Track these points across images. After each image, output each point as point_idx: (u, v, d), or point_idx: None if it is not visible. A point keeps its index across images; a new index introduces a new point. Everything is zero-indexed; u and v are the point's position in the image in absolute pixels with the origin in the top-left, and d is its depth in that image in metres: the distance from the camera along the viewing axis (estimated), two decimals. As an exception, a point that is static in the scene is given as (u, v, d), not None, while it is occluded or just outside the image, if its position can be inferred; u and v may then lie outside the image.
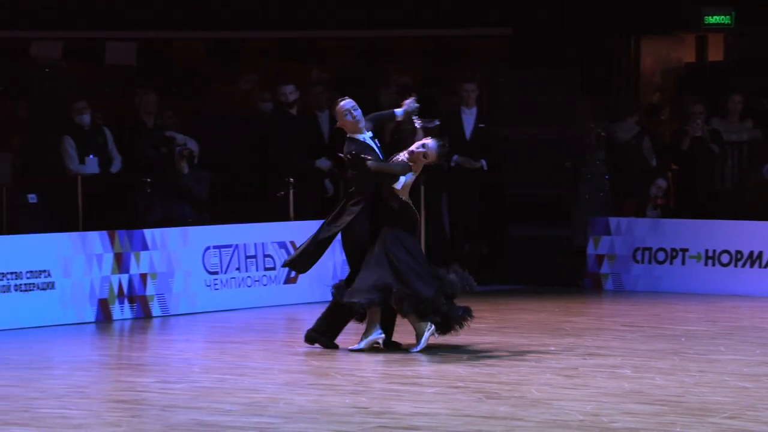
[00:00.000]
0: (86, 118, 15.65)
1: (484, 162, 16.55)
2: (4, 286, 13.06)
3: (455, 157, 16.46)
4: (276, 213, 15.55)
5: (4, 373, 10.70)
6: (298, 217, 15.43)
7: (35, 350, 12.03)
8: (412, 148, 11.52)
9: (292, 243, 14.91)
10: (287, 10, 20.10)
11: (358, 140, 11.58)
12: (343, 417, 8.77)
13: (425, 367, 10.75)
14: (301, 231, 14.63)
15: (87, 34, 20.01)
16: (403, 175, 11.46)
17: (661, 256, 16.14)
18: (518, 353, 11.45)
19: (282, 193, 15.45)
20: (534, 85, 17.31)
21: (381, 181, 11.51)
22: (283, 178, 15.56)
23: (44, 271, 13.32)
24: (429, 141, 11.53)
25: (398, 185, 11.46)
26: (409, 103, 11.86)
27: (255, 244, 14.74)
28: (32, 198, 15.11)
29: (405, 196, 11.54)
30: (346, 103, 11.67)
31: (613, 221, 16.36)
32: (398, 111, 11.92)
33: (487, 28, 20.01)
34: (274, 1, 20.13)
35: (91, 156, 15.41)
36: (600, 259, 16.38)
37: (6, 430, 8.45)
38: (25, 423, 8.66)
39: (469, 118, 16.65)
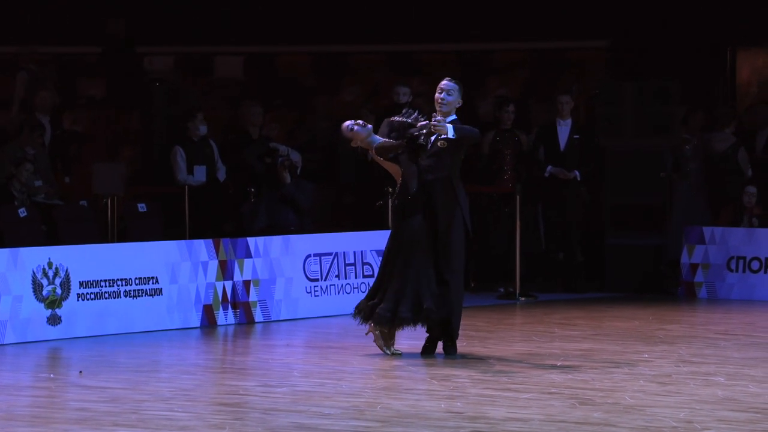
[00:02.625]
0: (203, 129, 15.80)
1: (577, 173, 16.46)
2: (114, 292, 13.19)
3: (549, 167, 16.42)
4: (375, 222, 15.55)
5: (114, 375, 10.80)
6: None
7: (143, 354, 12.14)
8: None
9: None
10: (390, 24, 20.14)
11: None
12: (438, 421, 8.76)
13: (519, 373, 10.71)
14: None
15: (197, 49, 20.21)
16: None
17: (755, 265, 15.95)
18: (612, 360, 11.37)
19: (381, 202, 15.47)
20: (630, 96, 17.19)
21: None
22: (382, 188, 15.58)
23: (152, 277, 13.42)
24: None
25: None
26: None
27: (354, 252, 14.76)
28: (142, 207, 15.26)
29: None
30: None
31: (707, 230, 16.20)
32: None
33: (585, 41, 19.92)
34: (377, 16, 20.17)
35: (200, 165, 15.56)
36: (694, 267, 16.22)
37: (115, 430, 8.53)
38: (133, 425, 8.73)
39: (564, 130, 16.57)
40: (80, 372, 11.01)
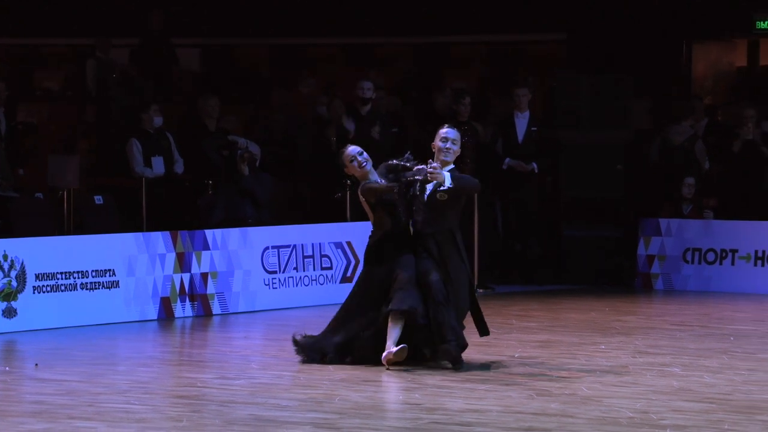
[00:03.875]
0: (158, 121, 15.76)
1: (535, 165, 16.51)
2: (70, 284, 13.14)
3: (507, 160, 16.45)
4: (333, 215, 15.55)
5: (70, 368, 10.77)
6: (354, 218, 15.45)
7: (100, 347, 12.10)
8: None
9: (349, 243, 14.94)
10: (344, 17, 20.13)
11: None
12: (396, 413, 8.78)
13: (477, 365, 10.73)
14: (357, 231, 14.68)
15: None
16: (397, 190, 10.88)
17: (710, 256, 16.04)
18: (569, 351, 11.42)
19: (339, 194, 15.45)
20: (587, 89, 17.26)
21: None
22: (340, 180, 15.57)
23: (109, 270, 13.39)
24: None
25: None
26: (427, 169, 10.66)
27: (312, 244, 14.76)
28: (98, 199, 15.20)
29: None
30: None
31: (663, 222, 16.27)
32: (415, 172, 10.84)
33: (542, 33, 19.96)
34: (334, 8, 20.17)
35: (157, 157, 15.51)
36: (651, 259, 16.30)
37: (71, 423, 8.52)
38: (90, 417, 8.72)
39: (521, 122, 16.61)
40: (36, 365, 10.97)
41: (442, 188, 10.57)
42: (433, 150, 10.77)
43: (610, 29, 19.38)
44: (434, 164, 10.57)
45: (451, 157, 10.75)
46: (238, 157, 15.30)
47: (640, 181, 17.37)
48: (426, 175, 10.58)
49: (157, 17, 18.64)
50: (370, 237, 10.92)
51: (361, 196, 10.84)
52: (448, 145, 10.71)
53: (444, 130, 10.82)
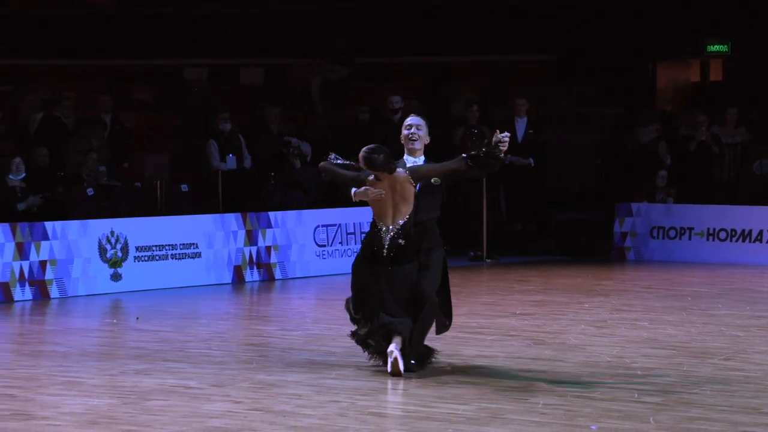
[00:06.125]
0: (227, 126, 15.80)
1: (531, 160, 16.48)
2: (163, 254, 13.20)
3: (509, 156, 16.43)
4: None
5: (163, 321, 10.82)
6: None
7: (186, 304, 12.15)
8: None
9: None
10: (363, 39, 19.98)
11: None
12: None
13: (485, 320, 10.73)
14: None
15: (226, 62, 20.17)
16: (351, 185, 8.12)
17: (672, 233, 15.98)
18: (559, 309, 11.40)
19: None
20: (571, 99, 17.22)
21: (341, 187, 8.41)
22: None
23: (193, 243, 13.43)
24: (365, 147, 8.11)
25: (353, 195, 8.17)
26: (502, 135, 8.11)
27: (354, 223, 14.78)
28: (184, 188, 15.24)
29: (381, 219, 8.11)
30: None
31: (634, 206, 16.23)
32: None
33: (534, 54, 19.91)
34: (347, 34, 20.07)
35: (230, 155, 15.54)
36: (624, 235, 16.24)
37: (165, 364, 8.54)
38: (179, 360, 8.76)
39: (520, 126, 16.58)
40: (137, 318, 11.02)
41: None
42: (402, 142, 8.33)
43: (590, 50, 19.34)
44: (505, 135, 8.00)
45: (420, 145, 8.28)
46: (290, 153, 15.32)
47: (614, 173, 17.33)
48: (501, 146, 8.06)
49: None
50: (431, 220, 8.33)
51: (412, 179, 8.14)
52: (412, 131, 8.25)
53: (407, 120, 8.37)
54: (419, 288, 8.16)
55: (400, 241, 8.07)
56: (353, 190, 8.14)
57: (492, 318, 10.86)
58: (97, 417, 6.90)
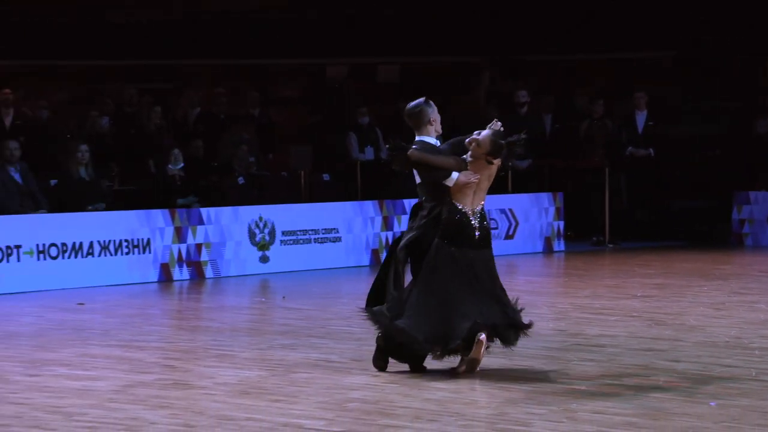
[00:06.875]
0: (365, 120, 15.87)
1: (652, 150, 16.21)
2: (306, 239, 13.34)
3: (630, 148, 16.20)
4: (497, 187, 15.43)
5: (307, 300, 10.93)
6: (514, 190, 15.37)
7: (328, 284, 12.26)
8: (468, 137, 7.43)
9: (510, 210, 14.86)
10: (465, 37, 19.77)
11: (423, 141, 7.51)
12: (547, 337, 8.71)
13: (608, 302, 10.60)
14: (517, 201, 14.62)
15: (365, 60, 20.26)
16: (456, 170, 7.31)
17: (790, 219, 15.62)
18: (679, 292, 11.20)
19: (503, 173, 15.36)
20: (690, 93, 16.88)
21: (432, 178, 7.37)
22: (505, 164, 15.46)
23: (334, 228, 13.55)
24: (486, 130, 7.40)
25: (449, 182, 7.32)
26: (492, 125, 7.44)
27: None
28: (326, 177, 15.38)
29: (463, 203, 7.34)
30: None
31: (752, 194, 15.86)
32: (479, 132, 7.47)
33: (655, 51, 19.54)
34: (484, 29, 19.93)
35: (368, 146, 15.63)
36: (742, 222, 15.87)
37: (309, 340, 8.62)
38: (322, 336, 8.83)
39: (640, 118, 16.32)
40: (283, 297, 11.17)
41: None
42: (432, 125, 7.50)
43: (708, 45, 18.91)
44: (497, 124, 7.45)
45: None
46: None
47: (732, 163, 16.93)
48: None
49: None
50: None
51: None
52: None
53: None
54: None
55: (485, 223, 7.37)
56: (454, 174, 7.28)
57: (614, 300, 10.72)
58: (248, 387, 7.01)
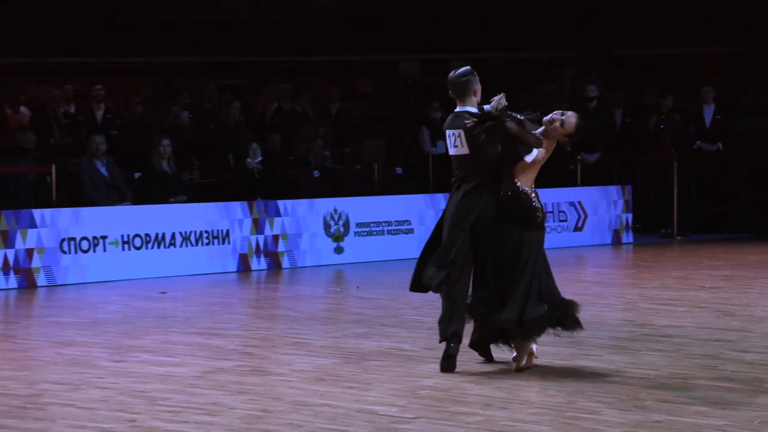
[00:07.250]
0: (437, 114, 15.82)
1: (720, 145, 15.93)
2: (380, 230, 13.33)
3: (698, 142, 15.95)
4: (566, 180, 15.31)
5: (380, 290, 10.93)
6: (583, 183, 15.21)
7: (401, 275, 12.13)
8: (548, 116, 7.06)
9: (579, 202, 14.71)
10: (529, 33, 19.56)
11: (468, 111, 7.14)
12: (616, 327, 8.62)
13: (676, 293, 10.44)
14: (586, 193, 14.46)
15: (437, 56, 20.20)
16: (537, 147, 6.98)
17: None
18: (747, 283, 11.00)
19: (572, 167, 15.24)
20: (758, 88, 16.58)
21: (515, 153, 6.99)
22: (574, 156, 15.34)
23: (406, 220, 13.52)
24: (570, 112, 7.12)
25: (529, 158, 6.97)
26: (498, 99, 7.00)
27: (552, 203, 14.59)
28: (399, 170, 15.36)
29: (523, 182, 7.03)
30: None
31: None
32: (487, 106, 7.06)
33: (722, 46, 19.22)
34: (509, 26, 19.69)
35: (440, 141, 15.58)
36: (808, 214, 15.58)
37: (381, 329, 8.63)
38: (394, 325, 8.83)
39: (708, 112, 16.06)
40: (357, 287, 11.18)
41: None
42: (476, 96, 7.16)
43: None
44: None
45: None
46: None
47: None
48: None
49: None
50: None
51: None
52: None
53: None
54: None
55: (543, 203, 7.19)
56: (535, 151, 6.93)
57: (682, 291, 10.57)
58: (324, 374, 7.02)
